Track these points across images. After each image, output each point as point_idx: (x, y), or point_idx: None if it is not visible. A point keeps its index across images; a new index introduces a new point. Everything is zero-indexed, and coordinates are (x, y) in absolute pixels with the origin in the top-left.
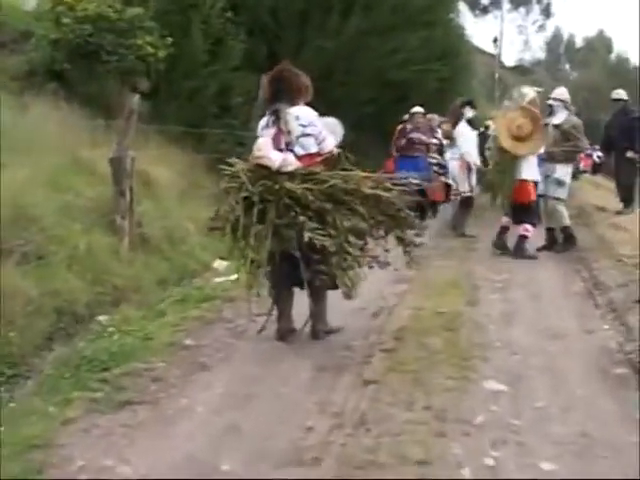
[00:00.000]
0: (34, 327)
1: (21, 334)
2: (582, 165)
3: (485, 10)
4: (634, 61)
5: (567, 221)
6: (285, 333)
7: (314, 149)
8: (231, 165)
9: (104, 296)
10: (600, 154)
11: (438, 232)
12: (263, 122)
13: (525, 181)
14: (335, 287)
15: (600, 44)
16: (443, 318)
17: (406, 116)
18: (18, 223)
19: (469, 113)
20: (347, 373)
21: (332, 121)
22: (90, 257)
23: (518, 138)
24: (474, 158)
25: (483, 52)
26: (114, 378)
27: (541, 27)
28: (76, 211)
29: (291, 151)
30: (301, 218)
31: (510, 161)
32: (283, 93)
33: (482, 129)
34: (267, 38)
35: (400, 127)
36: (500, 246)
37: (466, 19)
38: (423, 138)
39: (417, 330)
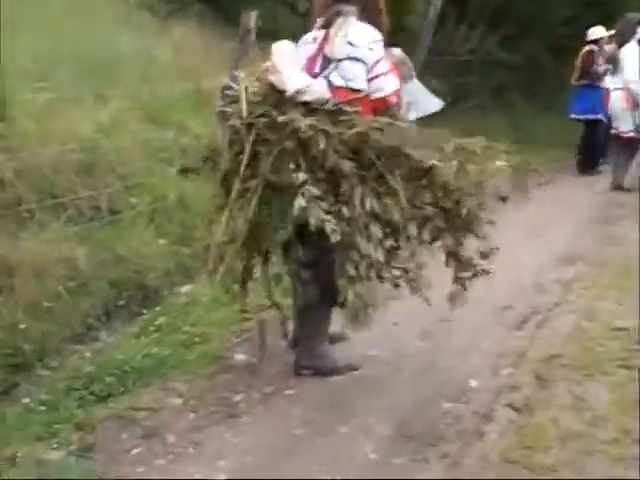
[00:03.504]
0: (73, 310)
1: (50, 320)
2: None
3: None
4: None
5: None
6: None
7: (360, 84)
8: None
9: (191, 260)
10: None
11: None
12: (307, 36)
13: None
14: (330, 302)
15: None
16: (622, 340)
17: (594, 36)
18: (92, 169)
19: None
20: (433, 456)
21: (399, 54)
22: (180, 211)
23: None
24: None
25: None
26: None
27: None
28: (176, 152)
29: (327, 80)
30: (301, 175)
31: None
32: None
33: None
34: None
35: (585, 50)
36: None
37: None
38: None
39: (576, 366)
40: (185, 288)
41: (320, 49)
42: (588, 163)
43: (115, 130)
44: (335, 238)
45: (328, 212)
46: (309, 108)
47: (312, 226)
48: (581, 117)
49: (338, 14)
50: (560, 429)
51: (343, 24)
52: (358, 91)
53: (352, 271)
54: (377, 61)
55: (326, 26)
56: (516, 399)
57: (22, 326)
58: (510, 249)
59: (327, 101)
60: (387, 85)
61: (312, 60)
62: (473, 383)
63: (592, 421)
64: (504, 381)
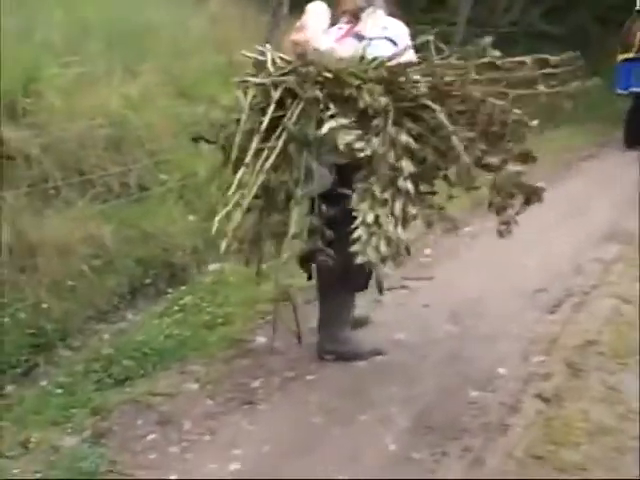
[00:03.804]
0: (97, 289)
1: (74, 299)
2: None
3: None
4: None
5: None
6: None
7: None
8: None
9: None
10: None
11: None
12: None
13: None
14: (351, 286)
15: None
16: None
17: None
18: (121, 145)
19: None
20: (454, 450)
21: None
22: (210, 187)
23: None
24: None
25: None
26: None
27: None
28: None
29: None
30: (331, 110)
31: None
32: None
33: None
34: None
35: (630, 21)
36: None
37: None
38: None
39: (611, 354)
40: (214, 266)
41: (350, 29)
42: (635, 138)
43: (145, 105)
44: (365, 153)
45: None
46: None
47: (340, 146)
48: (628, 91)
49: (368, 4)
50: (591, 423)
51: (373, 13)
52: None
53: (378, 194)
54: (406, 48)
55: (354, 17)
56: (545, 389)
57: (44, 305)
58: (548, 227)
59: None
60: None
61: (341, 40)
62: (501, 371)
63: (625, 415)
64: (534, 369)
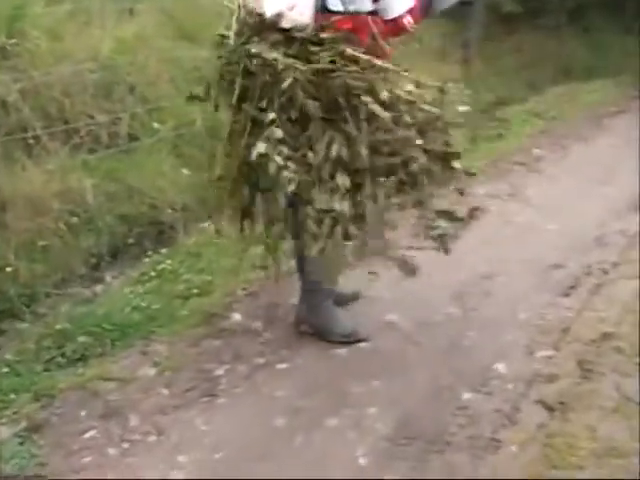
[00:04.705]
0: (73, 249)
1: (46, 261)
2: None
3: None
4: None
5: None
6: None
7: (361, 5)
8: None
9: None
10: None
11: None
12: None
13: None
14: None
15: None
16: None
17: None
18: (111, 91)
19: None
20: (435, 467)
21: None
22: (209, 138)
23: None
24: None
25: None
26: None
27: None
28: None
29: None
30: (270, 114)
31: None
32: None
33: None
34: None
35: None
36: None
37: None
38: None
39: (631, 352)
40: (205, 225)
41: None
42: None
43: (140, 47)
44: (290, 188)
45: (289, 158)
46: (288, 36)
47: (271, 173)
48: None
49: None
50: (599, 441)
51: None
52: (357, 14)
53: (313, 228)
54: None
55: None
56: (549, 393)
57: (9, 269)
58: (570, 193)
59: (305, 28)
60: (396, 4)
61: None
62: (500, 367)
63: None
64: (538, 367)
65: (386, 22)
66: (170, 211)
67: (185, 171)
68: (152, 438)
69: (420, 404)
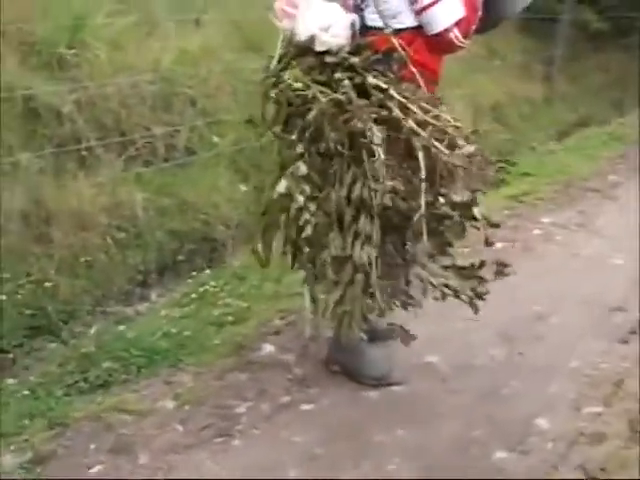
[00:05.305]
0: (119, 265)
1: (88, 277)
2: None
3: None
4: None
5: None
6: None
7: (401, 22)
8: None
9: None
10: None
11: None
12: None
13: None
14: None
15: None
16: None
17: None
18: (171, 104)
19: None
20: None
21: None
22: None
23: None
24: None
25: None
26: None
27: None
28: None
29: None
30: (299, 147)
31: None
32: None
33: None
34: None
35: None
36: None
37: None
38: None
39: None
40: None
41: None
42: None
43: (204, 59)
44: (305, 234)
45: (313, 197)
46: (322, 60)
47: (291, 215)
48: None
49: None
50: None
51: None
52: (399, 31)
53: (331, 274)
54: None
55: None
56: (593, 458)
57: (48, 284)
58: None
59: (340, 50)
60: (441, 16)
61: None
62: (541, 422)
63: None
64: (584, 424)
65: (430, 37)
66: (223, 228)
67: (242, 187)
68: (160, 477)
69: (446, 458)
